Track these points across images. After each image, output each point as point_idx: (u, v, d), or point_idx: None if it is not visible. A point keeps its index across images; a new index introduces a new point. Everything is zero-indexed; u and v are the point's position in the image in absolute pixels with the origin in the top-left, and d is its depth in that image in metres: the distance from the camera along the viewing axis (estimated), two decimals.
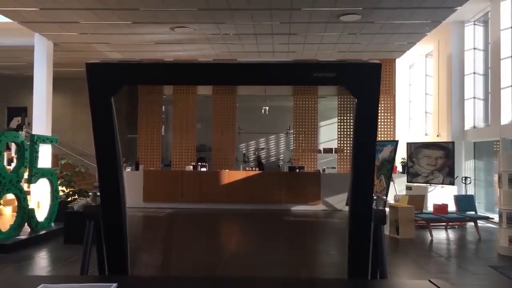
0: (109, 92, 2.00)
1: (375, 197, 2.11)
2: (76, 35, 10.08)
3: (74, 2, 7.99)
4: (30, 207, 7.29)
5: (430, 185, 10.13)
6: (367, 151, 2.03)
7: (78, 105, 15.22)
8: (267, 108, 14.77)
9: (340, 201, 11.28)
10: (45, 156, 9.37)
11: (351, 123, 12.74)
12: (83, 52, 11.45)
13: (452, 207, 8.45)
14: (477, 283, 5.13)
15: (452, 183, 9.83)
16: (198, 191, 11.54)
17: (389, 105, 12.62)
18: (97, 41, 10.64)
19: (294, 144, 13.10)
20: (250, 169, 12.86)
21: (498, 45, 9.06)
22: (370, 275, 2.14)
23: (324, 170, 12.10)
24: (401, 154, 11.39)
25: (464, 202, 8.44)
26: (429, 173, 10.26)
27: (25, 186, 7.60)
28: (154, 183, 11.66)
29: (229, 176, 11.67)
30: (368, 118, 1.96)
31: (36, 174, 7.30)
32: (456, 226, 8.74)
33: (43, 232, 7.28)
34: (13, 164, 8.75)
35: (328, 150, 13.56)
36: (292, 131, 13.56)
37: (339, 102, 12.96)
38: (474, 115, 10.50)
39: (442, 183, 10.00)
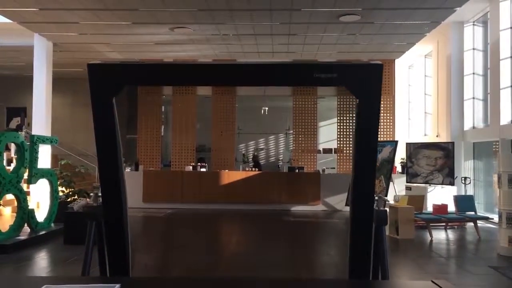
0: (110, 92, 2.00)
1: (376, 198, 2.11)
2: (76, 35, 10.08)
3: (74, 3, 7.99)
4: (30, 207, 7.29)
5: (430, 186, 10.14)
6: (369, 151, 2.03)
7: (78, 105, 15.21)
8: (267, 108, 14.78)
9: (339, 201, 11.29)
10: (44, 157, 9.37)
11: (351, 124, 12.79)
12: (83, 52, 11.45)
13: (451, 208, 8.46)
14: (477, 283, 5.13)
15: (452, 184, 9.84)
16: (198, 192, 11.54)
17: (388, 105, 12.63)
18: (97, 41, 10.64)
19: (294, 145, 13.11)
20: (250, 169, 12.85)
21: (497, 46, 9.07)
22: (372, 275, 2.14)
23: (323, 170, 12.11)
24: (401, 154, 11.40)
25: (464, 202, 8.45)
26: (429, 173, 10.27)
27: (24, 187, 7.60)
28: (153, 183, 11.66)
29: (229, 176, 11.67)
30: (370, 118, 1.96)
31: (36, 174, 7.29)
32: (456, 227, 8.75)
33: (43, 232, 7.27)
34: (13, 165, 8.76)
35: (327, 151, 13.57)
36: (292, 131, 13.56)
37: (338, 103, 12.97)
38: (473, 115, 10.52)
39: (442, 184, 10.01)
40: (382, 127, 12.55)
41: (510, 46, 8.85)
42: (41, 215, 7.69)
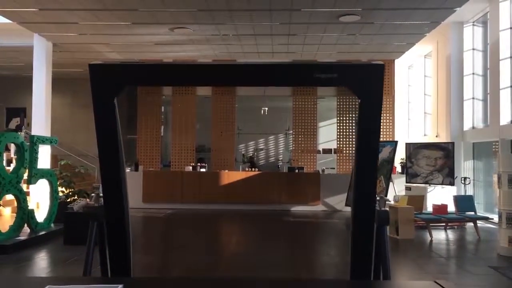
0: (112, 92, 2.00)
1: (378, 198, 2.11)
2: (76, 35, 10.08)
3: (74, 3, 7.98)
4: (29, 208, 7.28)
5: (430, 186, 10.15)
6: (370, 152, 2.03)
7: (77, 105, 15.21)
8: (267, 108, 14.79)
9: (339, 201, 11.29)
10: (44, 157, 9.36)
11: (350, 124, 12.80)
12: (82, 52, 11.45)
13: (451, 208, 8.46)
14: (477, 283, 5.13)
15: (452, 184, 9.85)
16: (197, 192, 11.54)
17: (388, 105, 12.63)
18: (97, 41, 10.63)
19: (294, 145, 13.11)
20: (249, 169, 12.85)
21: (497, 46, 9.07)
22: (373, 276, 2.14)
23: (323, 170, 12.11)
24: (400, 154, 11.41)
25: (464, 202, 8.45)
26: (429, 174, 10.27)
27: (24, 187, 7.59)
28: (153, 183, 11.65)
29: (229, 176, 11.67)
30: (371, 119, 1.96)
31: (35, 175, 7.29)
32: (456, 227, 8.75)
33: (43, 233, 7.26)
34: (13, 165, 8.75)
35: (327, 151, 13.57)
36: (292, 131, 13.56)
37: (338, 103, 12.97)
38: (473, 115, 10.52)
39: (442, 184, 10.01)
40: (381, 127, 12.55)
41: (510, 46, 8.86)
42: (41, 216, 7.68)
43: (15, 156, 8.86)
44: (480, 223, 8.43)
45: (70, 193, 8.18)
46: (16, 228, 6.91)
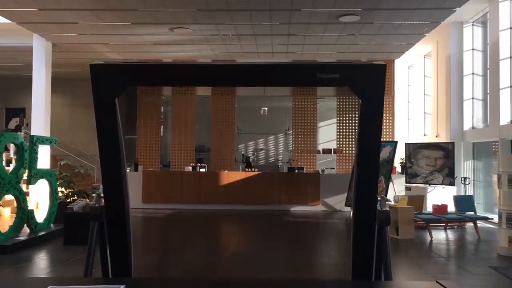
0: (112, 92, 2.00)
1: (379, 198, 2.11)
2: (75, 35, 10.07)
3: (73, 3, 7.97)
4: (29, 208, 7.27)
5: (430, 186, 10.15)
6: (372, 152, 2.03)
7: (77, 105, 15.19)
8: (266, 108, 14.77)
9: (339, 201, 11.29)
10: (43, 157, 9.35)
11: (350, 124, 12.79)
12: (82, 53, 11.44)
13: (451, 208, 8.47)
14: (477, 283, 5.13)
15: (452, 184, 9.85)
16: (197, 192, 11.54)
17: (388, 105, 12.62)
18: (96, 41, 10.62)
19: (293, 145, 13.10)
20: (249, 170, 12.84)
21: (497, 46, 9.08)
22: (374, 276, 2.14)
23: (323, 170, 12.11)
24: (400, 154, 11.41)
25: (464, 202, 8.46)
26: (429, 174, 10.27)
27: (24, 187, 7.58)
28: (153, 184, 11.65)
29: (228, 176, 11.67)
30: (373, 118, 1.96)
31: (35, 175, 7.28)
32: (456, 227, 8.75)
33: (43, 233, 7.26)
34: (12, 165, 8.74)
35: (327, 151, 13.57)
36: (291, 131, 13.55)
37: (338, 103, 12.96)
38: (473, 115, 10.52)
39: (442, 184, 10.02)
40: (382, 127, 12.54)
41: (510, 46, 8.86)
42: (40, 216, 7.67)
43: (15, 156, 8.85)
44: (480, 223, 8.43)
45: (70, 193, 8.18)
46: (15, 228, 6.90)
